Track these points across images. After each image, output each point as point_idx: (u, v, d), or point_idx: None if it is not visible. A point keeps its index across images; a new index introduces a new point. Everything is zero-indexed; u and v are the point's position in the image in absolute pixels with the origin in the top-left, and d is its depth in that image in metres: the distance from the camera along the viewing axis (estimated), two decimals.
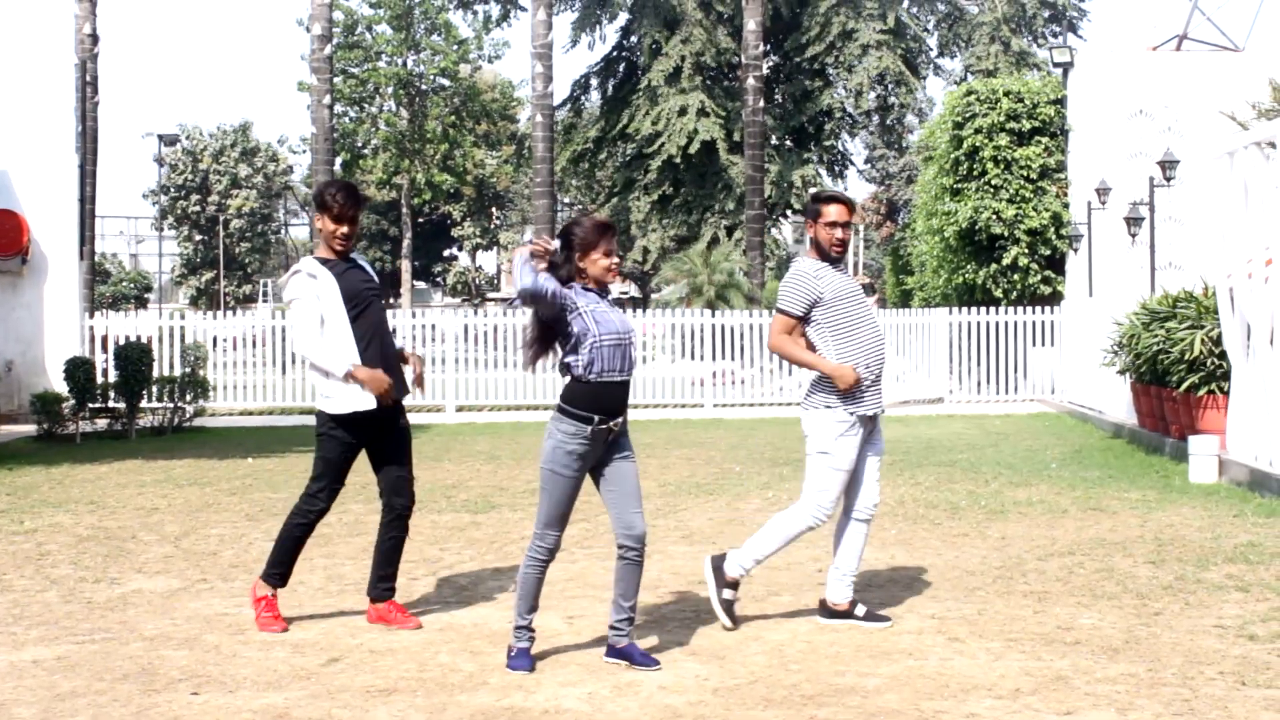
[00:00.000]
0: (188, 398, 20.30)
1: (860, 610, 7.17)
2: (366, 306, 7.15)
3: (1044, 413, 21.70)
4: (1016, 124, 27.02)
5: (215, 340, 24.85)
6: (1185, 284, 16.43)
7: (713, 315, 25.24)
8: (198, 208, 73.49)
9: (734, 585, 7.14)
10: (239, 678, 6.21)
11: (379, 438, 7.22)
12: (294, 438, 18.64)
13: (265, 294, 75.52)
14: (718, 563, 7.17)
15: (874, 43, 42.47)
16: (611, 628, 6.42)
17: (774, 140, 43.96)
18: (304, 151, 54.71)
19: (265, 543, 9.83)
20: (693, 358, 25.26)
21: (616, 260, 6.37)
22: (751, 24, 36.15)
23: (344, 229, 7.15)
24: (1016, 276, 26.94)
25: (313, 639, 6.94)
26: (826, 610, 7.23)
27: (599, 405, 6.22)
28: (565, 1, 45.51)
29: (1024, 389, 24.45)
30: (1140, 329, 15.18)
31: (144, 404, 19.78)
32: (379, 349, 7.14)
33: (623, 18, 45.70)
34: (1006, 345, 24.67)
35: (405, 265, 57.47)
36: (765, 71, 40.18)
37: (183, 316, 25.49)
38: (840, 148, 48.01)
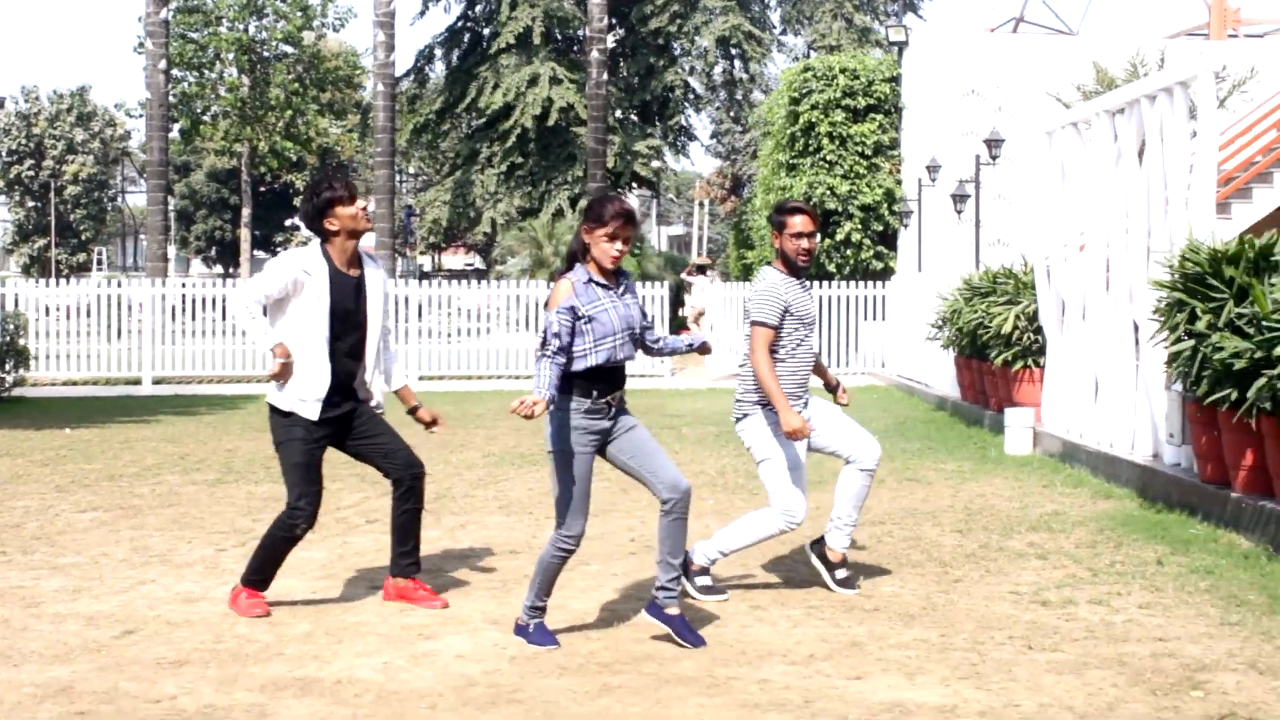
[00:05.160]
0: (6, 367, 19.71)
1: (840, 574, 7.33)
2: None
3: (874, 385, 22.00)
4: (852, 101, 27.38)
5: (47, 309, 24.12)
6: (1011, 260, 16.79)
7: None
8: (31, 173, 71.36)
9: (703, 572, 7.13)
10: (26, 651, 6.06)
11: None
12: (116, 408, 18.22)
13: (100, 262, 73.64)
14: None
15: (719, 9, 42.50)
16: (660, 588, 6.17)
17: (619, 114, 43.87)
18: (141, 116, 53.09)
19: (72, 514, 9.62)
20: (533, 329, 25.15)
21: (621, 247, 6.04)
22: None
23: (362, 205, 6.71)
24: (850, 252, 27.30)
25: (109, 611, 6.79)
26: (820, 555, 7.45)
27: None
28: None
29: (855, 362, 24.71)
30: (962, 304, 15.50)
31: None
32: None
33: None
34: (838, 319, 24.89)
35: (245, 234, 56.39)
36: (611, 45, 40.07)
37: (2, 284, 24.70)
38: (684, 123, 48.10)
